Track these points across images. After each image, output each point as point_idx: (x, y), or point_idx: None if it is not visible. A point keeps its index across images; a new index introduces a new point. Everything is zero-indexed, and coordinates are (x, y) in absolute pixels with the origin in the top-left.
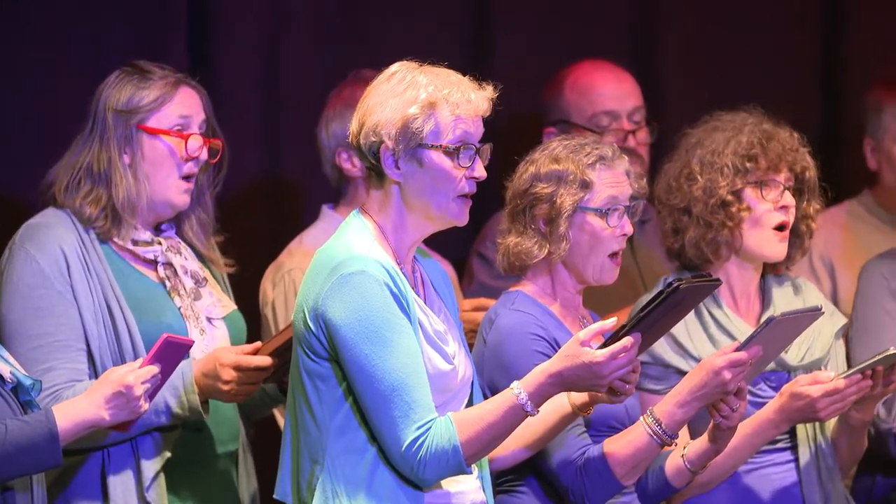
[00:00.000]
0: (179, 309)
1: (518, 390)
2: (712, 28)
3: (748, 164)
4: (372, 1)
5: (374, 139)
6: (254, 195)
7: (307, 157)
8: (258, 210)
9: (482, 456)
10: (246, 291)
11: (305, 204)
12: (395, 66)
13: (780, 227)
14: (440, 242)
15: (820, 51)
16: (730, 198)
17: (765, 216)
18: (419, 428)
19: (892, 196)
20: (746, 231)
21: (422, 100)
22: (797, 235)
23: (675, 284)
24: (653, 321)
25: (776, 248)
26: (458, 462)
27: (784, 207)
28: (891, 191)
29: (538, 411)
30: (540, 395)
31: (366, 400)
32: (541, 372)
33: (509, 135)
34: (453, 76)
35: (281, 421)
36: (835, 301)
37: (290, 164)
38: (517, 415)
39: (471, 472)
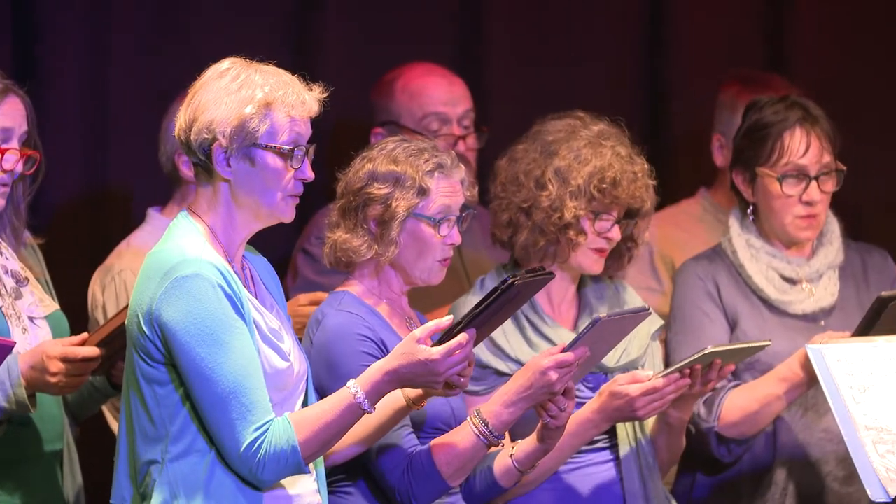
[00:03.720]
0: (1, 308)
1: (355, 389)
2: (537, 33)
3: (596, 194)
4: (195, 1)
5: (206, 136)
6: (80, 198)
7: (135, 160)
8: (84, 214)
9: (320, 454)
10: (73, 294)
11: (132, 207)
12: (226, 63)
13: (600, 250)
14: (259, 239)
15: (644, 52)
16: (572, 221)
17: (590, 240)
18: (257, 429)
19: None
20: (572, 248)
21: (258, 99)
22: (616, 256)
23: (510, 281)
24: (487, 317)
25: (595, 265)
26: (296, 462)
27: (608, 238)
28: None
29: (374, 409)
30: (377, 393)
31: (203, 403)
32: (377, 370)
33: (335, 134)
34: (286, 76)
35: (110, 419)
36: None
37: (117, 167)
38: (354, 413)
39: (309, 472)
